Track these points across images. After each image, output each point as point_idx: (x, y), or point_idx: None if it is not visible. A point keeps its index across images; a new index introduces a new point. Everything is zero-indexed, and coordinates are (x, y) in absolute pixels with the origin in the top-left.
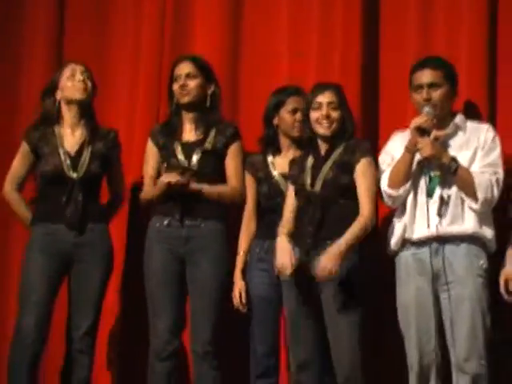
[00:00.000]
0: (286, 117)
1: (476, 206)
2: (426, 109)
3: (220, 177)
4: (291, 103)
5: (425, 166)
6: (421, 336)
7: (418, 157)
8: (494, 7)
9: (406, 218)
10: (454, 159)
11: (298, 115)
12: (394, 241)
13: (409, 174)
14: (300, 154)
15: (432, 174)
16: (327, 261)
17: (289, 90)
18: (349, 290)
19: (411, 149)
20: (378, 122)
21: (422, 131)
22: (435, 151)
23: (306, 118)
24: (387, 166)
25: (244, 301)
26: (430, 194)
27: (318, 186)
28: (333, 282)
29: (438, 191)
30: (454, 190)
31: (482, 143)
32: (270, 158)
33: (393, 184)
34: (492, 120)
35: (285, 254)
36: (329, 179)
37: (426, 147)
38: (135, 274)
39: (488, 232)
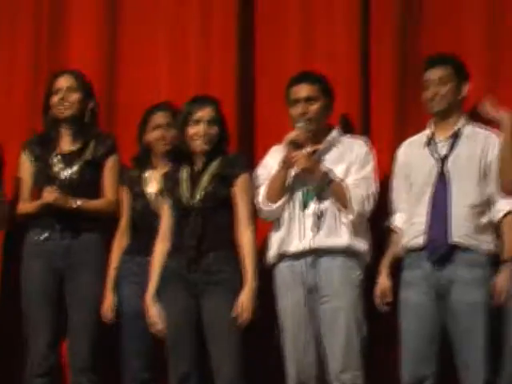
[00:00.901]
0: (150, 133)
1: (351, 219)
2: (300, 123)
3: (98, 188)
4: (153, 120)
5: (300, 179)
6: (298, 349)
7: (294, 171)
8: (366, 25)
9: (283, 231)
10: (328, 172)
11: (159, 131)
12: (271, 254)
13: (284, 189)
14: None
15: (307, 187)
16: (245, 306)
17: (155, 107)
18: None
19: (286, 163)
20: (254, 137)
21: (296, 145)
22: (310, 164)
23: (180, 131)
24: (264, 180)
25: (113, 315)
26: (304, 207)
27: (197, 199)
28: (215, 296)
29: (313, 205)
30: (329, 203)
31: (356, 157)
32: (144, 174)
33: (269, 198)
34: (366, 134)
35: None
36: (208, 192)
37: (300, 160)
38: (11, 289)
39: (363, 244)
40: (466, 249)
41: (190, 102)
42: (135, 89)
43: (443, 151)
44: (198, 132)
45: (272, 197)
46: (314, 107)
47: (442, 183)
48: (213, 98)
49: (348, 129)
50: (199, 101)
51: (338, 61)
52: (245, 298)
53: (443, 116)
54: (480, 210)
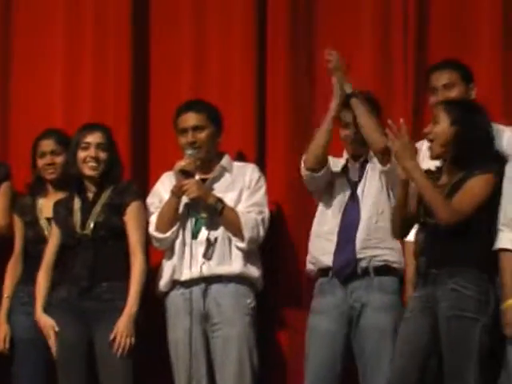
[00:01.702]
0: (38, 161)
1: (242, 245)
2: (189, 151)
3: None
4: (40, 147)
5: (191, 207)
6: (190, 376)
7: (185, 199)
8: (262, 52)
9: (175, 259)
10: (219, 200)
11: (45, 159)
12: (163, 282)
13: (175, 217)
14: (65, 195)
15: (198, 216)
16: (122, 338)
17: (41, 134)
18: None
19: (177, 192)
20: (148, 164)
21: (186, 174)
22: (201, 192)
23: (72, 157)
24: (155, 208)
25: (7, 344)
26: (195, 236)
27: (88, 229)
28: (106, 324)
29: (204, 233)
30: (220, 231)
31: (247, 183)
32: (38, 201)
33: (160, 227)
34: (261, 160)
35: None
36: (100, 221)
37: (191, 189)
38: None
39: (255, 271)
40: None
41: (81, 127)
42: (29, 114)
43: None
44: (88, 155)
45: (163, 226)
46: (202, 135)
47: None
48: (103, 125)
49: (240, 155)
50: (90, 126)
51: (233, 88)
52: (121, 324)
53: None
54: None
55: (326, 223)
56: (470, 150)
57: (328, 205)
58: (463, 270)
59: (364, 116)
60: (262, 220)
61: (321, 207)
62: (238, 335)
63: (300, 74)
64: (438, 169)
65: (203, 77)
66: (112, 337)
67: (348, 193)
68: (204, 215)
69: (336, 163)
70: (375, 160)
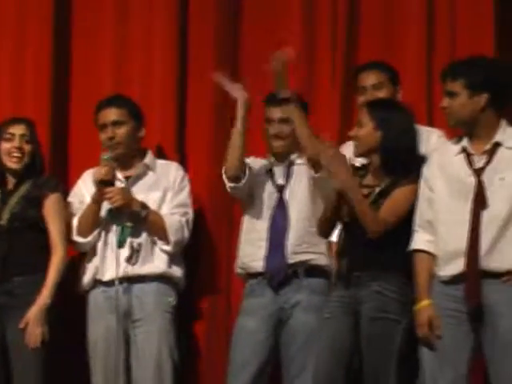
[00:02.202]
0: None
1: (168, 248)
2: (104, 156)
3: None
4: None
5: (115, 215)
6: (108, 374)
7: (107, 204)
8: (183, 47)
9: (98, 260)
10: (144, 206)
11: None
12: (85, 281)
13: (96, 223)
14: None
15: (124, 223)
16: (33, 327)
17: None
18: None
19: (98, 199)
20: (68, 161)
21: (106, 183)
22: (125, 201)
23: None
24: (76, 209)
25: None
26: (120, 245)
27: (4, 220)
28: (18, 318)
29: (128, 240)
30: (144, 236)
31: (171, 183)
32: None
33: (81, 232)
34: (182, 157)
35: None
36: (15, 212)
37: (115, 197)
38: None
39: (177, 271)
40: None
41: (5, 120)
42: None
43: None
44: (12, 146)
45: (84, 231)
46: (122, 131)
47: None
48: (27, 118)
49: (163, 153)
50: (14, 119)
51: (154, 84)
52: (31, 313)
53: None
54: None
55: (254, 229)
56: (395, 158)
57: (255, 210)
58: (387, 272)
59: (300, 125)
60: (187, 221)
61: (248, 212)
62: (158, 331)
63: (222, 71)
64: (364, 166)
65: (124, 72)
66: (22, 325)
67: (275, 197)
68: (129, 224)
69: (259, 164)
70: (301, 161)
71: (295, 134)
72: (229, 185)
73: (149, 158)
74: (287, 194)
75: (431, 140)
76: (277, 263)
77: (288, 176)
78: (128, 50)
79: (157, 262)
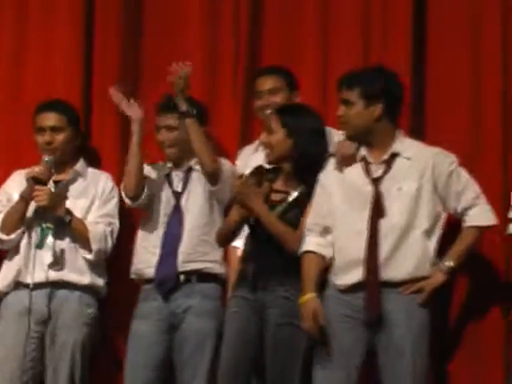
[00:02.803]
0: None
1: (90, 257)
2: (46, 158)
3: None
4: None
5: (39, 214)
6: (6, 377)
7: (34, 204)
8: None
9: (20, 261)
10: (68, 211)
11: None
12: (5, 282)
13: (22, 221)
14: None
15: (45, 225)
16: None
17: None
18: None
19: (26, 197)
20: None
21: (38, 181)
22: (50, 203)
23: None
24: (3, 206)
25: None
26: (40, 246)
27: None
28: None
29: (50, 243)
30: (67, 241)
31: (100, 192)
32: None
33: (5, 228)
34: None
35: None
36: None
37: (42, 197)
38: None
39: (100, 280)
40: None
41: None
42: None
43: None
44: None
45: (7, 228)
46: (60, 137)
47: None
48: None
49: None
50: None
51: (55, 87)
52: None
53: None
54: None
55: (150, 235)
56: (307, 165)
57: (152, 216)
58: (294, 278)
59: (197, 139)
60: (111, 232)
61: (144, 218)
62: (73, 343)
63: (125, 75)
64: (274, 169)
65: (21, 74)
66: None
67: (172, 204)
68: (50, 225)
69: (156, 169)
70: (199, 168)
71: (182, 142)
72: (127, 202)
73: (80, 164)
74: (184, 201)
75: (332, 142)
76: (168, 271)
77: (186, 182)
78: (26, 51)
79: (81, 271)
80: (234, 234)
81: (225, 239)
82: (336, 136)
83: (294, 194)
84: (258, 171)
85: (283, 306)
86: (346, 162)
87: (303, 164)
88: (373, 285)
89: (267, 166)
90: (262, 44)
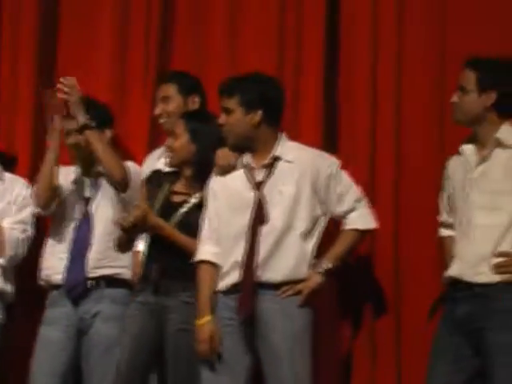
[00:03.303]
0: None
1: (2, 262)
2: None
3: None
4: None
5: None
6: None
7: None
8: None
9: None
10: None
11: None
12: None
13: None
14: None
15: None
16: None
17: None
18: None
19: None
20: None
21: None
22: None
23: None
24: None
25: None
26: None
27: None
28: None
29: None
30: None
31: (14, 198)
32: None
33: None
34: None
35: None
36: None
37: None
38: None
39: (9, 286)
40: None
41: None
42: None
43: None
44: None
45: None
46: None
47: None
48: None
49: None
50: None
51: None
52: None
53: None
54: None
55: (58, 241)
56: (208, 171)
57: (61, 221)
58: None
59: (100, 150)
60: (25, 239)
61: (54, 224)
62: None
63: (43, 78)
64: (174, 172)
65: None
66: None
67: (81, 210)
68: None
69: (70, 172)
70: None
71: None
72: (38, 211)
73: None
74: (93, 207)
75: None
76: (76, 276)
77: (95, 188)
78: None
79: None
80: (131, 240)
81: (124, 245)
82: None
83: (196, 197)
84: (156, 175)
85: (184, 311)
86: (224, 171)
87: (205, 169)
88: (248, 285)
89: (167, 170)
90: (172, 46)
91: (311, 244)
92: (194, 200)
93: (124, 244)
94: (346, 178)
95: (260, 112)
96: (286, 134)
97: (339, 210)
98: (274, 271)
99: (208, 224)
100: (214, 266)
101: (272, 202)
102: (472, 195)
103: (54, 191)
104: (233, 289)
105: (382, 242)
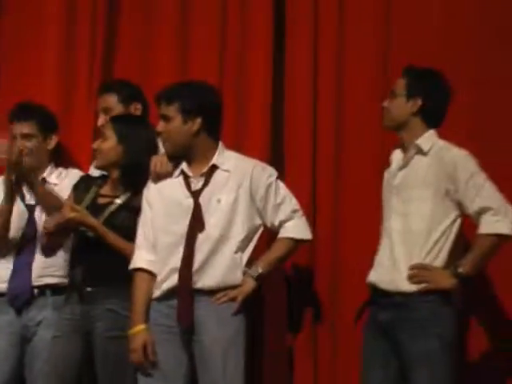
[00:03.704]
0: None
1: None
2: None
3: None
4: None
5: None
6: None
7: None
8: None
9: None
10: None
11: None
12: None
13: None
14: None
15: None
16: None
17: None
18: None
19: None
20: None
21: None
22: None
23: None
24: None
25: None
26: None
27: None
28: None
29: None
30: None
31: None
32: None
33: None
34: None
35: None
36: None
37: None
38: None
39: None
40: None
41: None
42: None
43: None
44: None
45: None
46: None
47: None
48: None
49: None
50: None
51: None
52: None
53: None
54: None
55: (2, 249)
56: (135, 174)
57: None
58: (120, 289)
59: (39, 198)
60: None
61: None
62: None
63: None
64: (103, 176)
65: None
66: None
67: (25, 217)
68: None
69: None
70: (52, 180)
71: (39, 150)
72: None
73: None
74: (37, 215)
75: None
76: (21, 285)
77: None
78: None
79: None
80: (59, 244)
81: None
82: None
83: (121, 199)
84: (84, 180)
85: (110, 318)
86: (160, 178)
87: (132, 171)
88: (185, 293)
89: (96, 174)
90: (116, 56)
91: (247, 252)
92: (118, 201)
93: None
94: (283, 188)
95: (199, 120)
96: (223, 144)
97: (276, 219)
98: (209, 278)
99: (142, 232)
100: (150, 274)
101: (209, 210)
102: (392, 201)
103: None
104: (169, 294)
105: (321, 250)
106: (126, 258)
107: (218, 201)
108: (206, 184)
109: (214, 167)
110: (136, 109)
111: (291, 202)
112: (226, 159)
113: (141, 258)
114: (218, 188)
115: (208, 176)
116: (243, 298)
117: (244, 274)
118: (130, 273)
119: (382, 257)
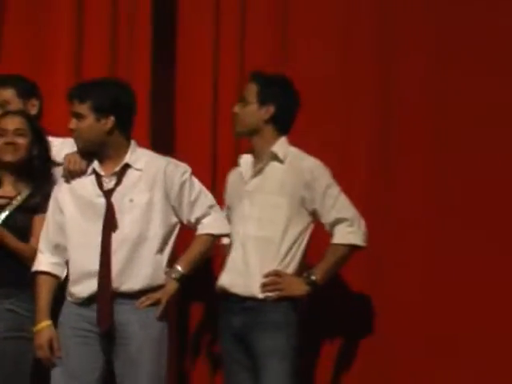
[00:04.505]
0: None
1: None
2: None
3: None
4: None
5: None
6: None
7: None
8: None
9: None
10: None
11: None
12: None
13: None
14: None
15: None
16: None
17: None
18: None
19: None
20: None
21: None
22: None
23: None
24: None
25: None
26: None
27: None
28: None
29: None
30: None
31: None
32: None
33: None
34: None
35: None
36: None
37: None
38: None
39: None
40: None
41: None
42: None
43: None
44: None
45: None
46: None
47: None
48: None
49: None
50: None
51: None
52: None
53: None
54: None
55: None
56: (29, 169)
57: None
58: (20, 290)
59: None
60: None
61: None
62: None
63: None
64: None
65: None
66: None
67: None
68: None
69: None
70: None
71: None
72: None
73: None
74: None
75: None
76: None
77: None
78: None
79: None
80: None
81: None
82: (62, 146)
83: (18, 200)
84: None
85: (9, 319)
86: (73, 176)
87: (26, 168)
88: (105, 296)
89: None
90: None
91: (167, 252)
92: (15, 202)
93: None
94: (198, 184)
95: (112, 118)
96: (135, 142)
97: (192, 216)
98: (131, 281)
99: (46, 234)
100: (53, 276)
101: (122, 210)
102: (244, 206)
103: None
104: (89, 300)
105: None
106: (26, 260)
107: (131, 200)
108: (118, 183)
109: (127, 166)
110: (33, 105)
111: (206, 198)
112: (139, 157)
113: (45, 262)
114: (130, 187)
115: (120, 175)
116: (167, 301)
117: (165, 274)
118: (31, 275)
119: (235, 261)
